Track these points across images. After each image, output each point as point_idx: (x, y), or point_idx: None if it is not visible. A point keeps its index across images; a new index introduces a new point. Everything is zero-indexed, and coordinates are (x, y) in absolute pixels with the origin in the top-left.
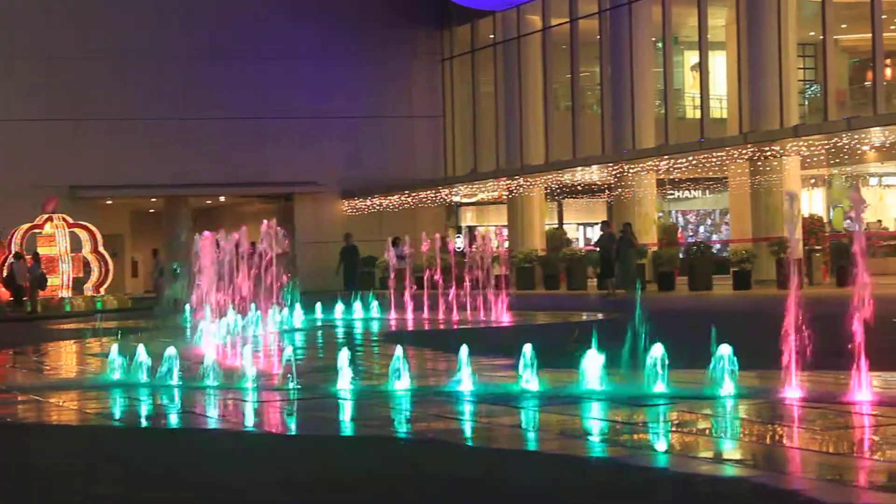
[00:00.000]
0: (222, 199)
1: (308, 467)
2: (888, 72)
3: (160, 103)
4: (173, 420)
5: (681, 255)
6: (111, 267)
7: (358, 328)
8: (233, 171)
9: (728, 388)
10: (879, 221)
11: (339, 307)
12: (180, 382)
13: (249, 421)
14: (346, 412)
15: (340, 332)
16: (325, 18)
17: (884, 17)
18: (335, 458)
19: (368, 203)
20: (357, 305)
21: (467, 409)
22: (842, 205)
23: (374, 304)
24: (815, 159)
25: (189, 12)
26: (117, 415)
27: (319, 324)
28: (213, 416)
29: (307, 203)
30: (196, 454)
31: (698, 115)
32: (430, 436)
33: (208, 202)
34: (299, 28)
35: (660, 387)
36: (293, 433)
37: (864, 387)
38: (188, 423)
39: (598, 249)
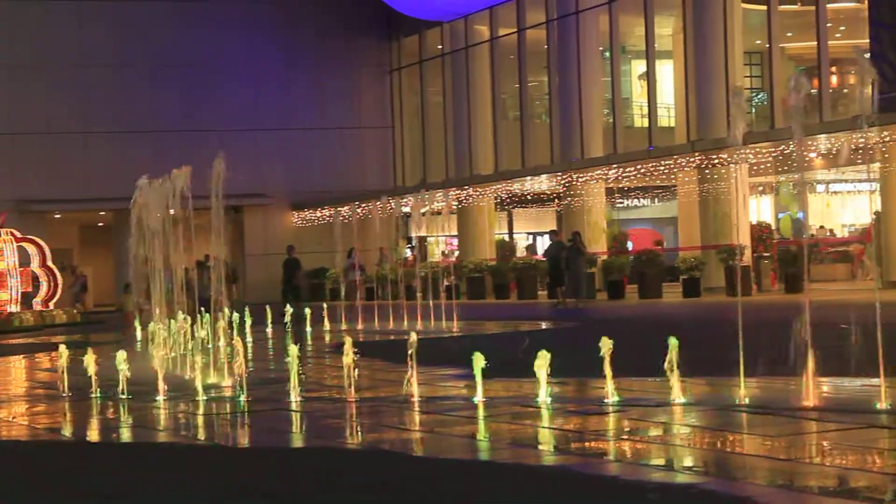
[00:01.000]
0: (172, 211)
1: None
2: (834, 80)
3: (107, 116)
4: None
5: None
6: (60, 281)
7: (304, 339)
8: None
9: (678, 394)
10: (824, 227)
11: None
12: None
13: (193, 433)
14: (295, 423)
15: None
16: (273, 31)
17: (829, 25)
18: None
19: (318, 214)
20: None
21: (417, 418)
22: (789, 212)
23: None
24: (762, 167)
25: (136, 24)
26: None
27: (267, 335)
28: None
29: (257, 215)
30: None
31: (646, 123)
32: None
33: (158, 215)
34: (248, 40)
35: (610, 394)
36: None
37: (813, 393)
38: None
39: (546, 259)
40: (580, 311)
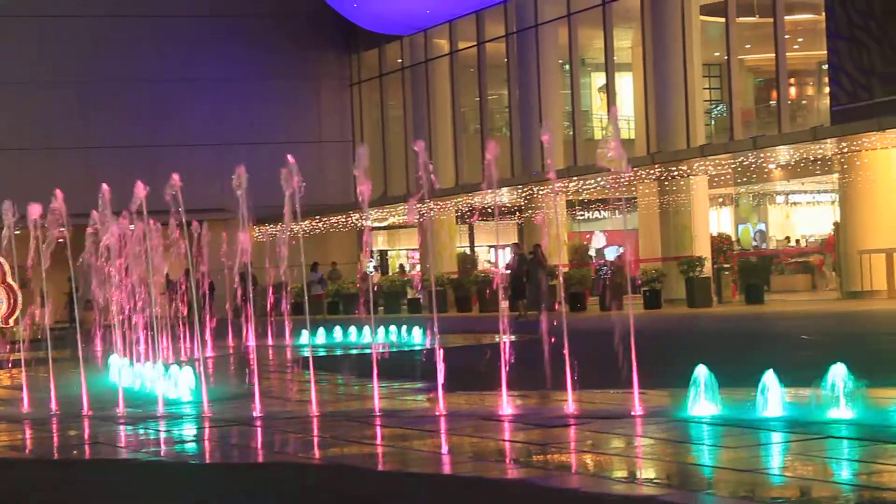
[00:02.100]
0: (131, 227)
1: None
2: (792, 91)
3: (62, 132)
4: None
5: (591, 276)
6: (20, 298)
7: (266, 354)
8: (140, 200)
9: (638, 407)
10: (787, 238)
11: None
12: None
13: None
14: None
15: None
16: (234, 44)
17: (787, 37)
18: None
19: (279, 229)
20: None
21: (379, 432)
22: (749, 223)
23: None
24: (722, 178)
25: (88, 39)
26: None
27: (230, 350)
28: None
29: (217, 230)
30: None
31: (606, 135)
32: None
33: (117, 230)
34: (210, 56)
35: (571, 407)
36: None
37: (774, 404)
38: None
39: (508, 271)
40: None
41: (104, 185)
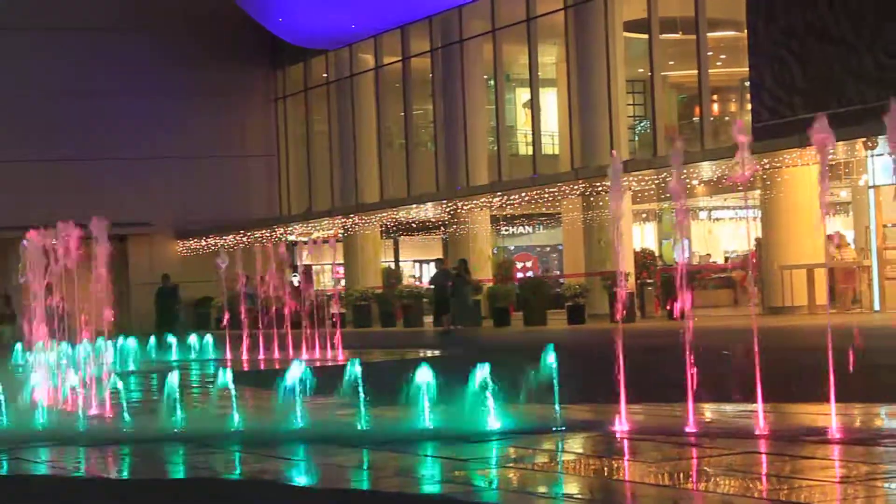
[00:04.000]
0: (54, 241)
1: None
2: (715, 107)
3: None
4: None
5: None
6: None
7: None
8: (64, 213)
9: (561, 422)
10: (709, 255)
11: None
12: None
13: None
14: (176, 454)
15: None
16: (158, 58)
17: (710, 53)
18: None
19: (204, 243)
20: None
21: (296, 449)
22: (671, 238)
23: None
24: (645, 194)
25: (14, 52)
26: None
27: (153, 365)
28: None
29: (142, 244)
30: None
31: (531, 151)
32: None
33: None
34: (138, 71)
35: (493, 422)
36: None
37: (693, 419)
38: None
39: (433, 287)
40: (466, 339)
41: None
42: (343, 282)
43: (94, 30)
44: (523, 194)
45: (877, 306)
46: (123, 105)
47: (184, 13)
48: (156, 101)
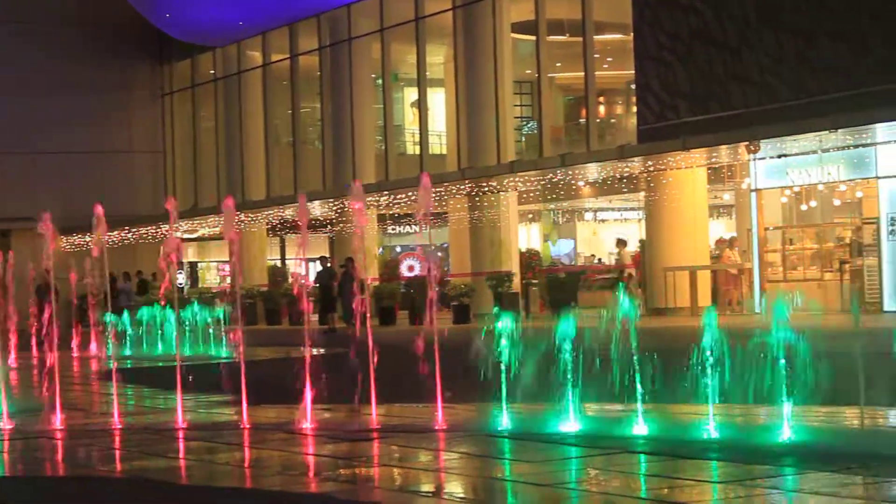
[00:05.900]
0: None
1: None
2: (601, 109)
3: None
4: None
5: (401, 290)
6: None
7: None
8: None
9: (442, 422)
10: (594, 256)
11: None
12: None
13: None
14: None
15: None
16: (42, 52)
17: (596, 56)
18: None
19: (88, 239)
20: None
21: (183, 445)
22: (549, 239)
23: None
24: (531, 194)
25: None
26: None
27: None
28: None
29: (25, 240)
30: None
31: (418, 150)
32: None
33: None
34: (22, 62)
35: (374, 420)
36: None
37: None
38: None
39: (318, 285)
40: (350, 337)
41: None
42: (229, 279)
43: None
44: (410, 194)
45: (757, 308)
46: (6, 101)
47: (67, 8)
48: (42, 94)
